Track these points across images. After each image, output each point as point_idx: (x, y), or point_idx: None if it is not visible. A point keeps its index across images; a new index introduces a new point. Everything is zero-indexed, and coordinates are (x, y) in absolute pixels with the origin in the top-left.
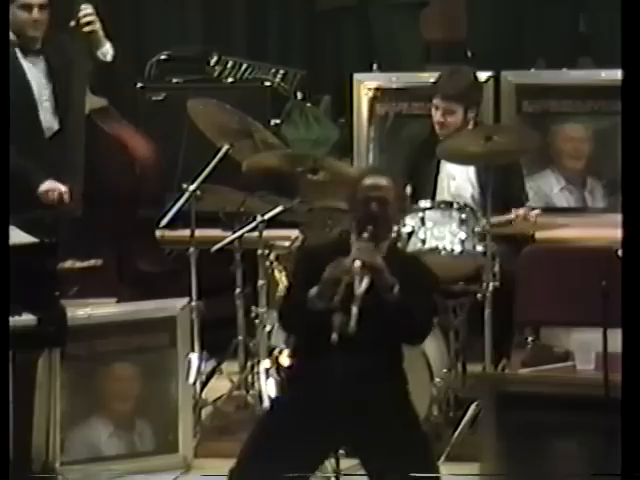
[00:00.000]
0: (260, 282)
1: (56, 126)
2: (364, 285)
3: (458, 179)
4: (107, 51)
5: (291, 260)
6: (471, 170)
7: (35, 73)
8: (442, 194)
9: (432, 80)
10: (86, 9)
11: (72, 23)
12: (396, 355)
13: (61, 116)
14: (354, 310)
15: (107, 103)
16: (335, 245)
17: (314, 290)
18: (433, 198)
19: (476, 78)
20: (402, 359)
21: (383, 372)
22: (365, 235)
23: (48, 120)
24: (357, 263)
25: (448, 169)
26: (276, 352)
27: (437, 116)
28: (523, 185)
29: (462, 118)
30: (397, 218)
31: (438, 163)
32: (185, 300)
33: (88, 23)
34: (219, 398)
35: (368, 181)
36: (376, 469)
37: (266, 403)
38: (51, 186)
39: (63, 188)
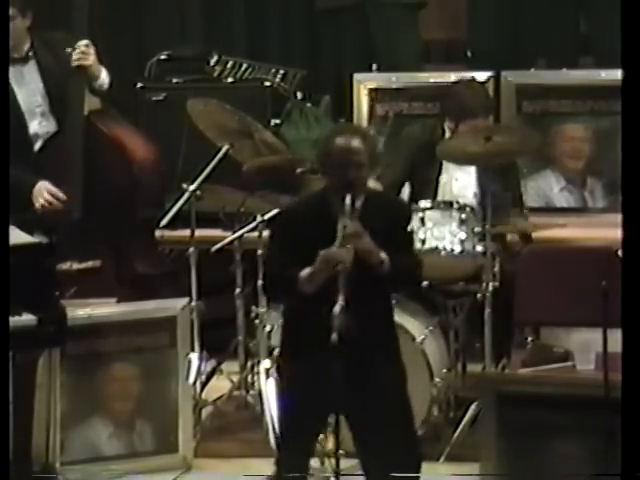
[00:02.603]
0: (260, 282)
1: (53, 128)
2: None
3: (461, 180)
4: (103, 81)
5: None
6: (473, 171)
7: (24, 79)
8: (444, 196)
9: (435, 80)
10: (81, 46)
11: (69, 49)
12: (388, 312)
13: (59, 117)
14: (342, 293)
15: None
16: (313, 207)
17: (304, 273)
18: (435, 199)
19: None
20: (393, 313)
21: (378, 331)
22: (347, 206)
23: (46, 124)
24: (349, 255)
25: (451, 171)
26: (276, 352)
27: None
28: (519, 185)
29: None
30: (371, 174)
31: (440, 164)
32: (185, 300)
33: (80, 59)
34: (219, 398)
35: (340, 141)
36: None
37: (269, 399)
38: (42, 191)
39: (54, 190)
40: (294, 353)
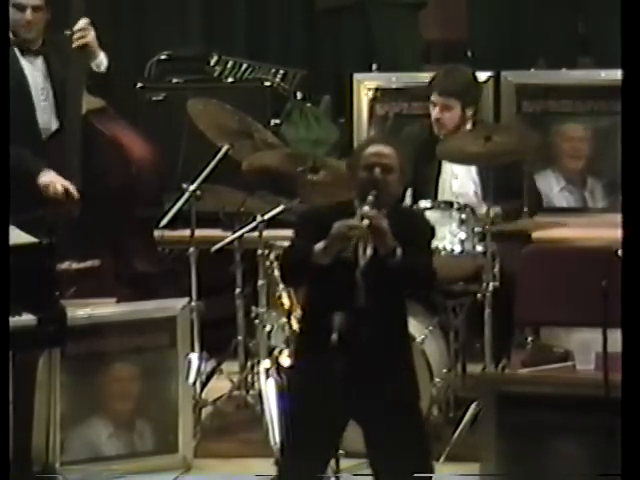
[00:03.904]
0: (260, 282)
1: (54, 126)
2: (368, 253)
3: (461, 178)
4: (101, 62)
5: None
6: (473, 168)
7: (33, 73)
8: (444, 194)
9: (419, 83)
10: (80, 24)
11: (67, 32)
12: (402, 320)
13: (60, 116)
14: (360, 281)
15: (105, 103)
16: (339, 208)
17: (320, 245)
18: (435, 198)
19: (474, 77)
20: (407, 323)
21: (390, 337)
22: (370, 198)
23: (46, 121)
24: (365, 221)
25: (450, 168)
26: (276, 352)
27: (434, 113)
28: (522, 181)
29: (459, 115)
30: (399, 188)
31: (439, 163)
32: (185, 300)
33: (81, 37)
34: (219, 398)
35: (372, 149)
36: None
37: (270, 399)
38: (52, 179)
39: (66, 182)
40: (308, 356)
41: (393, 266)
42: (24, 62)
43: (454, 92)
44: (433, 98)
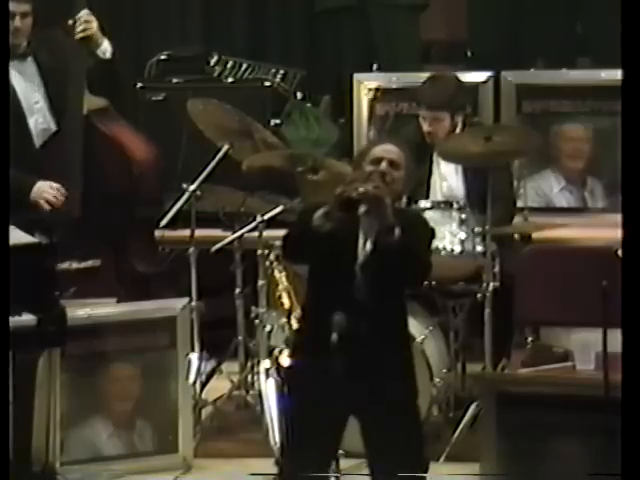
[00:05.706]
0: (260, 282)
1: (53, 127)
2: (368, 247)
3: (449, 180)
4: (106, 49)
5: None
6: (460, 170)
7: (23, 76)
8: (435, 195)
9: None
10: (83, 16)
11: (70, 22)
12: (401, 316)
13: (58, 116)
14: (359, 275)
15: (106, 103)
16: None
17: (322, 209)
18: (427, 199)
19: (459, 80)
20: (406, 319)
21: (389, 333)
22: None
23: (43, 122)
24: (369, 186)
25: (440, 170)
26: (276, 352)
27: (425, 126)
28: (511, 183)
29: (450, 123)
30: (403, 188)
31: (430, 165)
32: (185, 300)
33: (85, 29)
34: (219, 398)
35: (381, 146)
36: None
37: (270, 399)
38: (42, 194)
39: (54, 191)
40: (307, 355)
41: (391, 246)
42: (11, 68)
43: (442, 104)
44: (422, 113)
